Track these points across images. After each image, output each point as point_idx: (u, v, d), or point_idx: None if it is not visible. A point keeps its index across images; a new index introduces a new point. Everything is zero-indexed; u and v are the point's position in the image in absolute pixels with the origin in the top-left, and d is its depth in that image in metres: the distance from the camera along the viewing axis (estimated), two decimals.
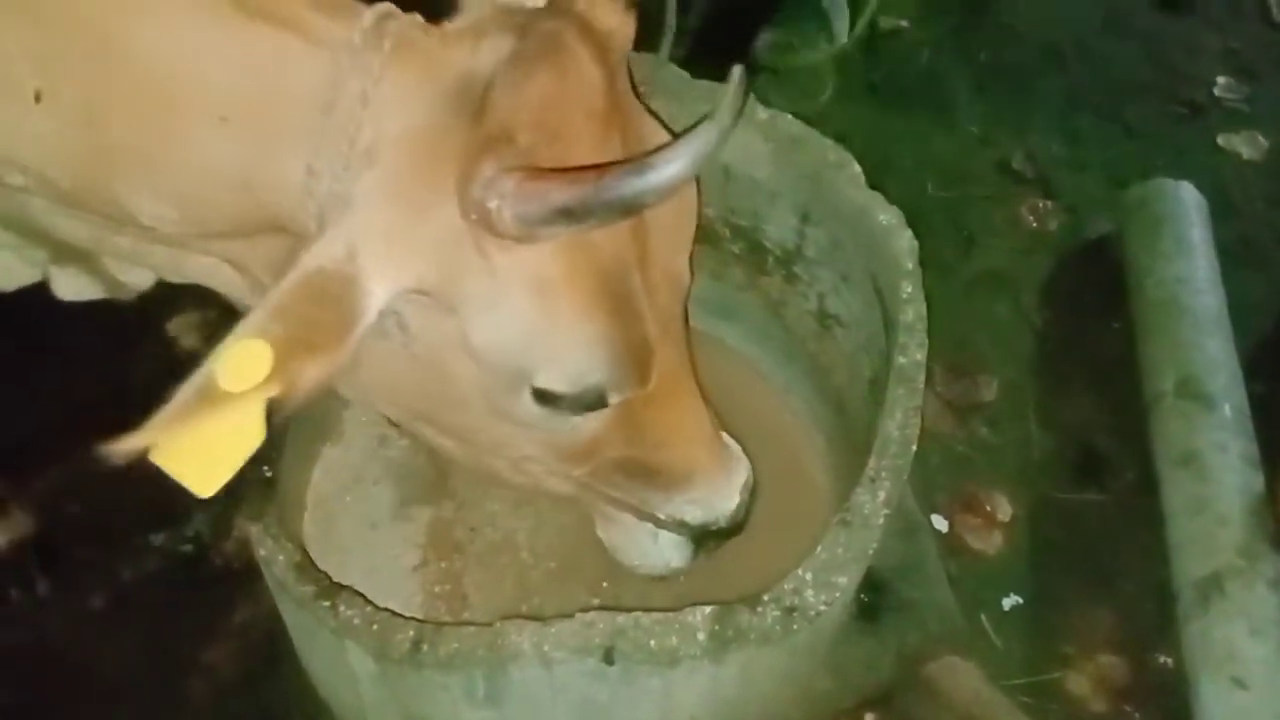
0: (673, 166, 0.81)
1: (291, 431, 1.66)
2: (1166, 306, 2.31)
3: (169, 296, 2.39)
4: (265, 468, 1.55)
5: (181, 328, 2.41)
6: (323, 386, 0.88)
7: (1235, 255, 2.62)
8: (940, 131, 3.11)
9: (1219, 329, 2.26)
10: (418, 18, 0.93)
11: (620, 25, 0.96)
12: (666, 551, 1.24)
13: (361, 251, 0.86)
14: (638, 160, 0.82)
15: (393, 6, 0.93)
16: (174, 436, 0.85)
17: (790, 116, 1.68)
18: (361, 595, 1.28)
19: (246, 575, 2.06)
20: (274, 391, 0.83)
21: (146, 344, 2.39)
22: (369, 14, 0.89)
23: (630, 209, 0.84)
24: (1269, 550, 1.89)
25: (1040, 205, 2.89)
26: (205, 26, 0.89)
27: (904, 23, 3.41)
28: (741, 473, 1.20)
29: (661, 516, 1.17)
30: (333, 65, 0.87)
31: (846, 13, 2.92)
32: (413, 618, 1.25)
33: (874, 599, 1.85)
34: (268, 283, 0.93)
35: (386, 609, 1.27)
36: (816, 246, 1.71)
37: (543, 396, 0.95)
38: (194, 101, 0.90)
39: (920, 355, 1.48)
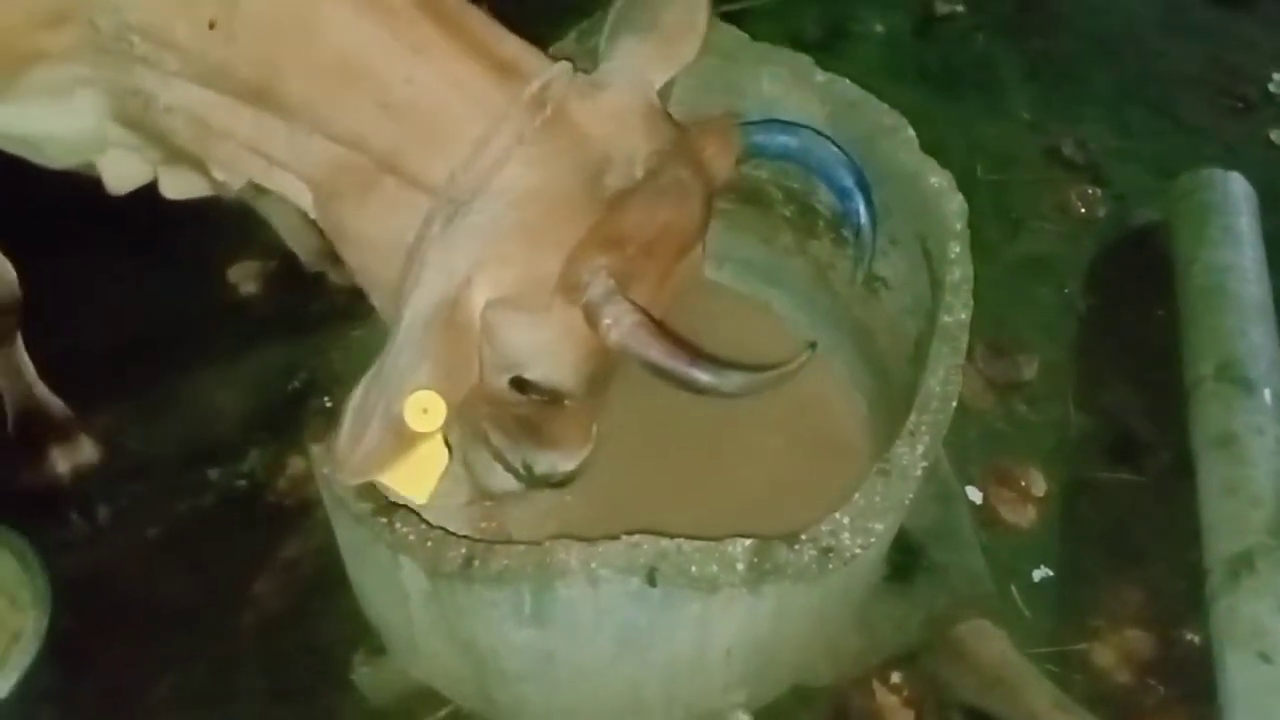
0: (736, 385, 1.12)
1: (353, 367, 1.70)
2: (1211, 293, 2.33)
3: (232, 245, 2.51)
4: (325, 398, 1.61)
5: (241, 275, 2.49)
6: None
7: None
8: (991, 116, 3.13)
9: (1263, 317, 2.27)
10: (579, 80, 1.16)
11: (724, 177, 1.24)
12: (503, 480, 1.47)
13: (479, 274, 1.09)
14: (716, 365, 1.11)
15: (563, 67, 1.16)
16: (382, 471, 1.12)
17: (847, 81, 1.72)
18: (416, 513, 1.34)
19: (297, 512, 2.14)
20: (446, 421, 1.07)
21: (208, 289, 2.47)
22: (536, 81, 1.12)
23: (692, 390, 1.12)
24: None
25: (1089, 192, 2.91)
26: (391, 34, 1.10)
27: (959, 8, 3.43)
28: (589, 447, 1.43)
29: (517, 462, 1.41)
30: (498, 115, 1.10)
31: None
32: (465, 536, 1.31)
33: (906, 560, 1.89)
34: (327, 197, 1.19)
35: (440, 527, 1.32)
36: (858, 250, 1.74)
37: (518, 382, 1.22)
38: (364, 85, 1.11)
39: (965, 315, 1.51)
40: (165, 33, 1.13)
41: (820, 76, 1.71)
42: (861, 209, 1.51)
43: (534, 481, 1.44)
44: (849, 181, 1.50)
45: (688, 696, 1.54)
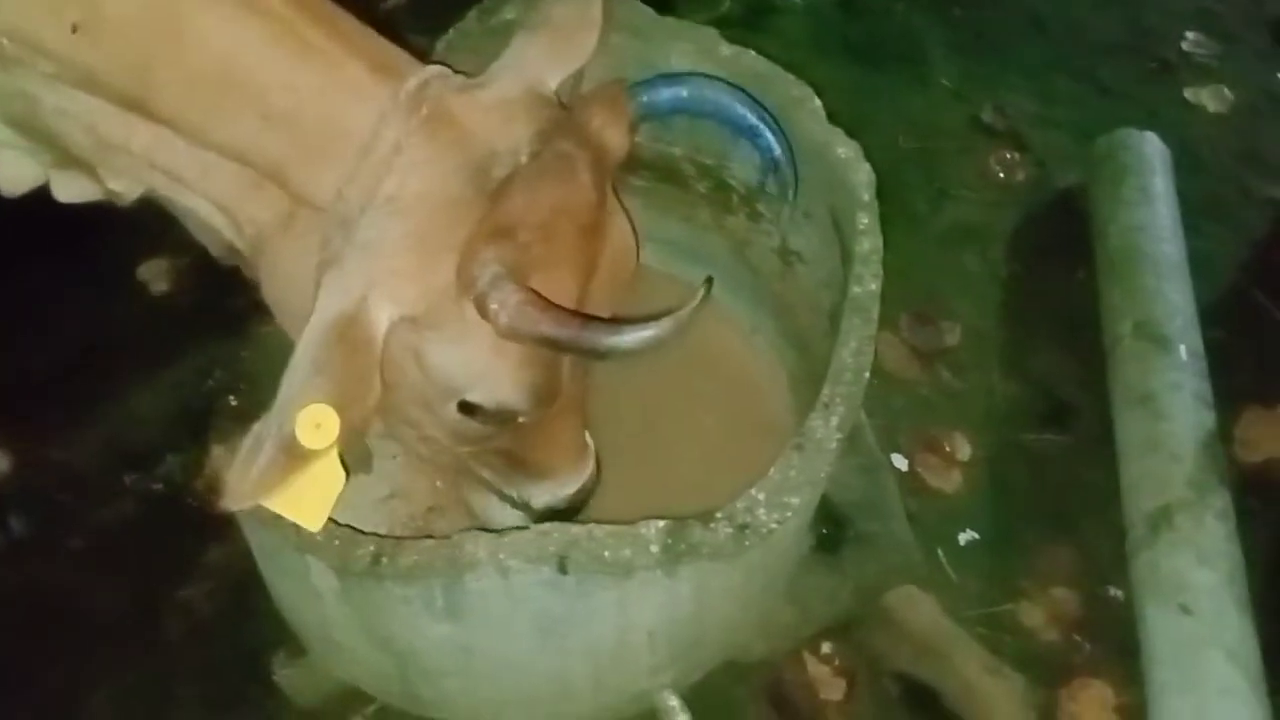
0: (634, 339, 1.05)
1: (261, 366, 1.67)
2: (1127, 253, 2.35)
3: (139, 242, 2.44)
4: (232, 397, 1.58)
5: (151, 273, 2.43)
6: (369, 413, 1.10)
7: (1200, 207, 2.66)
8: (914, 87, 3.14)
9: (1178, 275, 2.30)
10: (457, 79, 1.12)
11: (619, 146, 1.18)
12: (504, 515, 1.39)
13: (374, 290, 1.05)
14: (611, 325, 1.07)
15: (440, 70, 1.11)
16: (272, 493, 1.05)
17: (753, 53, 1.70)
18: None
19: (220, 515, 2.10)
20: (341, 438, 1.03)
21: (117, 289, 2.41)
22: (413, 79, 1.07)
23: (595, 356, 1.10)
24: (1218, 484, 1.94)
25: (1009, 157, 2.92)
26: (268, 40, 1.05)
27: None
28: (588, 469, 1.38)
29: (515, 496, 1.35)
30: (378, 117, 1.05)
31: None
32: (372, 533, 1.29)
33: (834, 532, 1.89)
34: (243, 224, 1.16)
35: (348, 525, 1.30)
36: (778, 183, 1.73)
37: (465, 407, 1.16)
38: (242, 94, 1.06)
39: (875, 285, 1.51)
40: (33, 36, 1.07)
41: (726, 50, 1.69)
42: (771, 140, 1.46)
43: (541, 516, 1.36)
44: (751, 117, 1.44)
45: (614, 680, 1.54)
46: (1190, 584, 1.81)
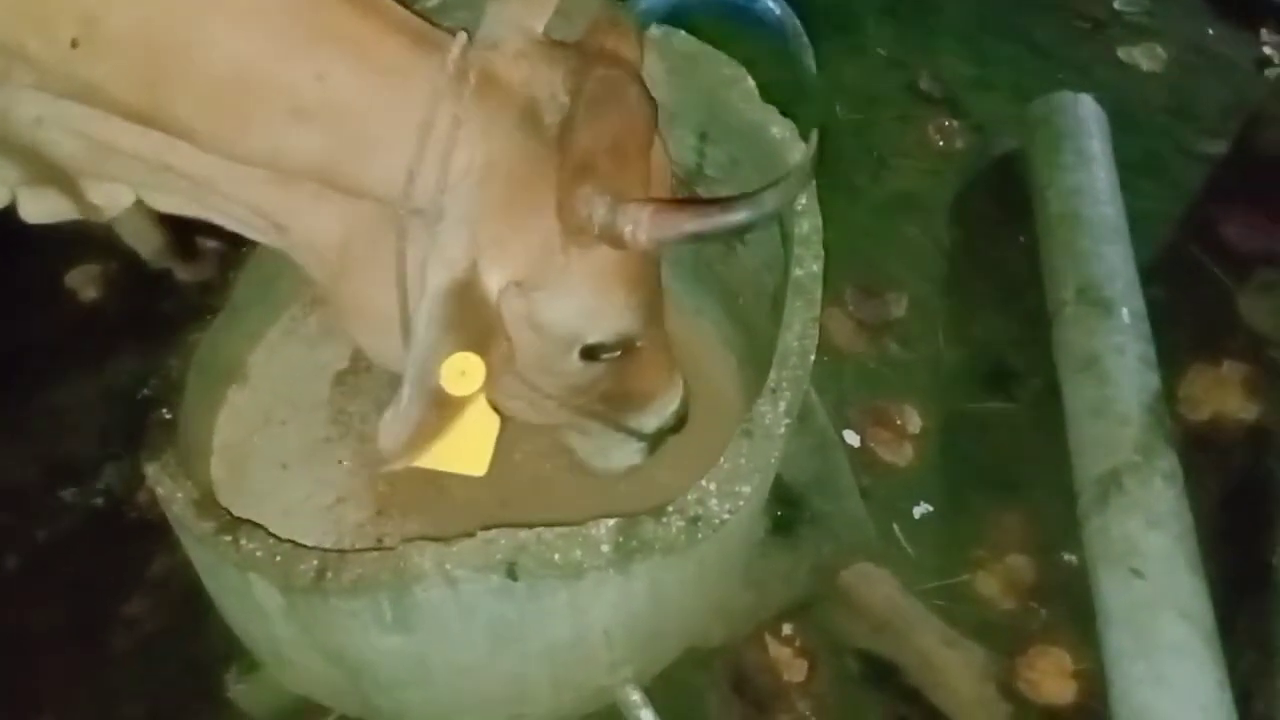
0: (771, 203, 1.06)
1: (193, 376, 1.63)
2: (1066, 217, 2.36)
3: (67, 249, 2.37)
4: (164, 410, 1.53)
5: (80, 280, 2.36)
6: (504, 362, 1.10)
7: (1136, 166, 2.69)
8: (850, 56, 3.13)
9: (1117, 237, 2.32)
10: (490, 43, 1.08)
11: (636, 59, 1.18)
12: (626, 454, 1.46)
13: (481, 258, 1.04)
14: (746, 198, 1.07)
15: (462, 35, 1.08)
16: (429, 448, 1.04)
17: (684, 33, 1.67)
18: (263, 528, 1.28)
19: (163, 525, 2.03)
20: (486, 385, 1.03)
21: (46, 297, 2.34)
22: (455, 47, 1.05)
23: (736, 233, 1.16)
24: (1165, 446, 1.96)
25: (947, 125, 2.93)
26: (289, 31, 1.00)
27: None
28: (681, 384, 1.43)
29: (632, 425, 1.39)
30: (432, 92, 1.02)
31: None
32: (315, 546, 1.25)
33: (788, 513, 1.89)
34: (287, 225, 1.12)
35: (289, 540, 1.26)
36: (716, 165, 1.71)
37: (588, 352, 1.18)
38: (266, 96, 1.00)
39: (816, 267, 1.49)
40: (22, 49, 0.99)
41: (656, 31, 1.66)
42: (769, 3, 1.44)
43: (655, 440, 1.43)
44: None
45: (573, 679, 1.52)
46: (1140, 547, 1.82)
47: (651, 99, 1.15)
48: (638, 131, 1.13)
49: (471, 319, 1.05)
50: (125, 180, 1.15)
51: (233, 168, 1.06)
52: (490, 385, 1.04)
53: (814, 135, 1.14)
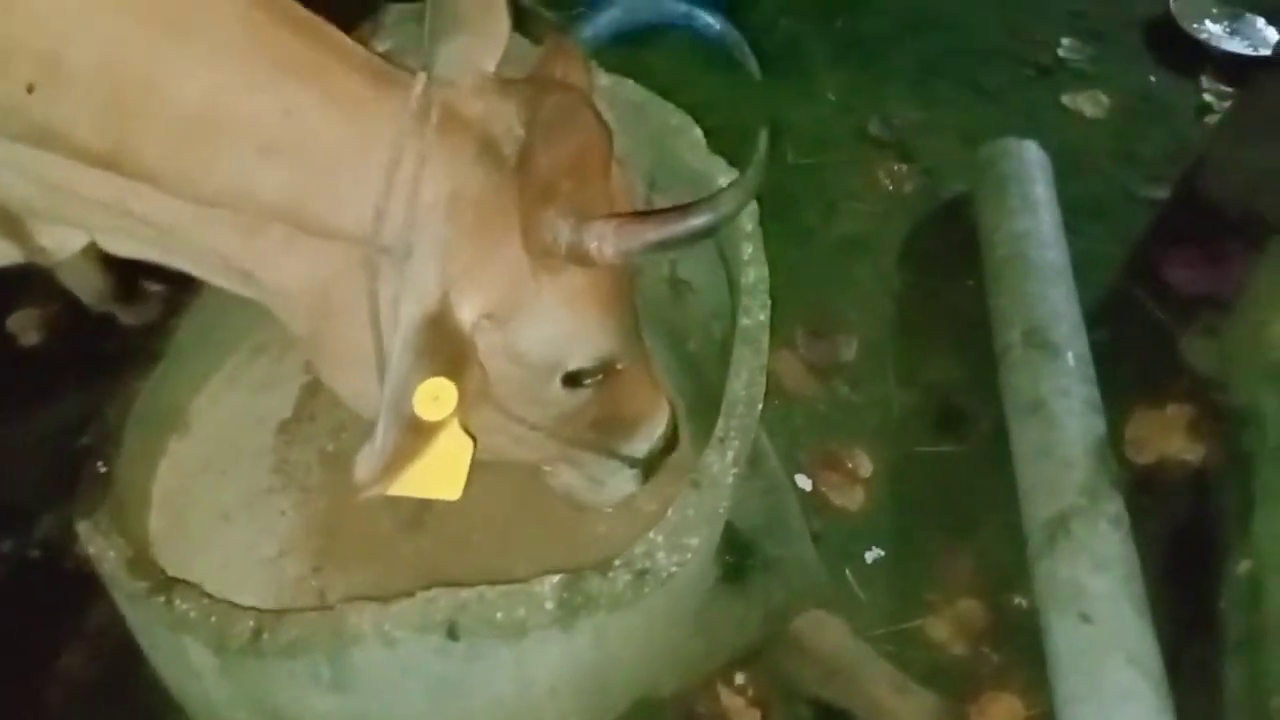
0: (731, 205, 1.07)
1: (133, 424, 1.59)
2: (1013, 261, 2.39)
3: (9, 292, 2.32)
4: (100, 463, 1.50)
5: (20, 324, 2.31)
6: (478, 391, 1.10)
7: (1080, 209, 2.73)
8: (800, 100, 3.16)
9: (1062, 280, 2.35)
10: (446, 81, 1.08)
11: (586, 81, 1.20)
12: (620, 483, 1.45)
13: (452, 291, 1.05)
14: (706, 202, 1.08)
15: (424, 74, 1.08)
16: (403, 474, 1.04)
17: (632, 82, 1.68)
18: (197, 587, 1.25)
19: (100, 578, 2.00)
20: (459, 410, 1.04)
21: None
22: (417, 84, 1.04)
23: (698, 237, 1.10)
24: (1111, 490, 1.97)
25: (896, 169, 2.96)
26: (256, 68, 0.98)
27: None
28: (667, 406, 1.42)
29: (624, 452, 1.39)
30: (397, 129, 1.02)
31: None
32: (251, 607, 1.22)
33: (739, 559, 1.87)
34: (254, 270, 1.10)
35: (224, 600, 1.23)
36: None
37: (570, 378, 1.18)
38: (234, 133, 0.98)
39: (763, 316, 1.50)
40: None
41: (605, 79, 1.66)
42: (707, 19, 1.45)
43: (647, 466, 1.43)
44: (682, 5, 1.44)
45: None
46: (1088, 591, 1.83)
47: (605, 121, 1.15)
48: (595, 152, 1.13)
49: (444, 347, 1.05)
50: (82, 225, 1.12)
51: (198, 212, 1.03)
52: (463, 410, 1.05)
53: (763, 135, 1.14)
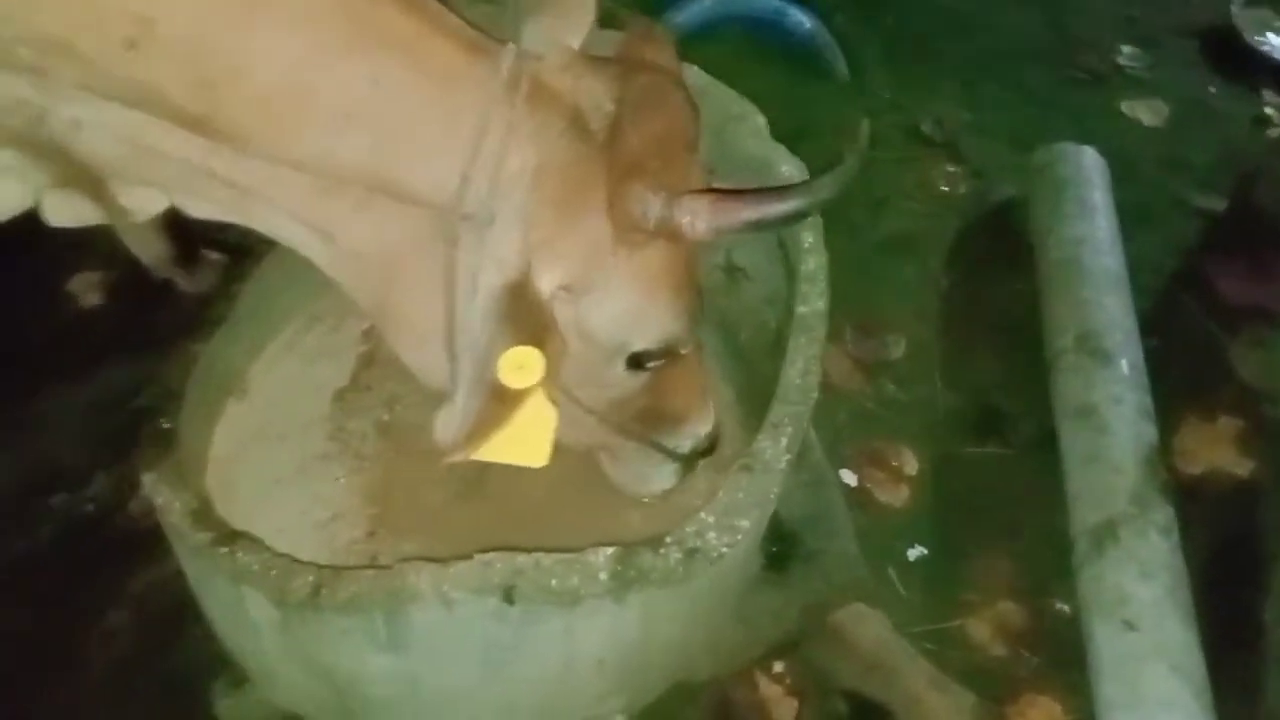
0: (825, 190, 1.09)
1: (192, 386, 1.62)
2: (1068, 266, 2.38)
3: (71, 255, 2.36)
4: (163, 420, 1.52)
5: (82, 286, 2.36)
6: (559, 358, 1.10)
7: (1134, 217, 2.70)
8: (853, 97, 3.14)
9: (1118, 287, 2.33)
10: (536, 55, 1.10)
11: (674, 65, 1.21)
12: (661, 476, 1.48)
13: (534, 259, 1.07)
14: (801, 186, 1.12)
15: (514, 46, 1.10)
16: (487, 441, 1.05)
17: (696, 68, 1.68)
18: (260, 541, 1.27)
19: (151, 537, 2.01)
20: (545, 379, 1.04)
21: (48, 302, 2.33)
22: (507, 55, 1.06)
23: (791, 220, 1.13)
24: (1160, 498, 1.96)
25: (949, 170, 2.95)
26: (348, 36, 1.00)
27: None
28: (713, 408, 1.44)
29: (668, 445, 1.40)
30: (486, 99, 1.04)
31: None
32: (311, 562, 1.24)
33: (782, 550, 1.88)
34: (332, 232, 1.12)
35: (286, 555, 1.25)
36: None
37: (634, 359, 1.20)
38: (323, 98, 1.00)
39: (821, 304, 1.50)
40: (75, 49, 0.97)
41: None
42: (799, 16, 1.47)
43: (688, 460, 1.44)
44: (774, 0, 1.45)
45: (562, 707, 1.50)
46: (1133, 598, 1.82)
47: (693, 104, 1.18)
48: (682, 133, 1.15)
49: (526, 316, 1.06)
50: (163, 186, 1.14)
51: (280, 174, 1.05)
52: (549, 380, 1.05)
53: (864, 125, 1.17)
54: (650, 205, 1.05)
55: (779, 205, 1.08)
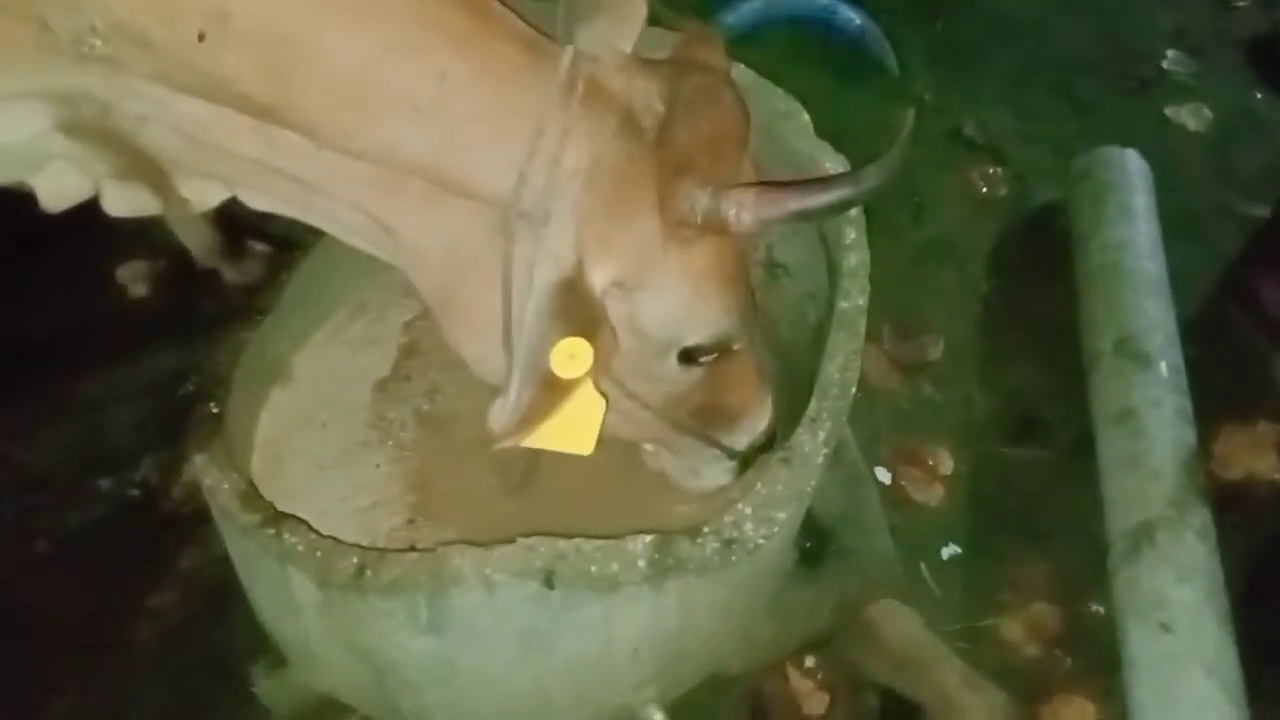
0: (870, 180, 1.08)
1: (240, 373, 1.65)
2: (1108, 269, 2.37)
3: (120, 244, 2.41)
4: (212, 404, 1.55)
5: (131, 275, 2.41)
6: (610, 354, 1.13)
7: (1177, 224, 2.69)
8: (894, 99, 3.14)
9: (1158, 292, 2.32)
10: (591, 56, 1.11)
11: (726, 65, 1.22)
12: (716, 473, 1.47)
13: (587, 256, 1.08)
14: (847, 176, 1.10)
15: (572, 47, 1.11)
16: (537, 427, 1.08)
17: (742, 65, 1.69)
18: (305, 523, 1.29)
19: (194, 520, 2.07)
20: (594, 370, 1.07)
21: (97, 290, 2.38)
22: (565, 57, 1.07)
23: (837, 210, 1.15)
24: (1198, 502, 1.95)
25: (990, 172, 2.94)
26: (419, 31, 1.02)
27: None
28: (770, 401, 1.43)
29: (725, 442, 1.40)
30: (545, 98, 1.05)
31: None
32: (356, 544, 1.27)
33: (817, 546, 1.89)
34: (393, 225, 1.14)
35: (330, 537, 1.28)
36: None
37: (686, 355, 1.21)
38: (391, 92, 1.02)
39: (862, 300, 1.51)
40: (149, 40, 0.99)
41: None
42: (850, 14, 1.47)
43: (745, 458, 1.44)
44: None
45: (597, 695, 1.52)
46: (1170, 601, 1.81)
47: (744, 103, 1.18)
48: (733, 132, 1.16)
49: (578, 310, 1.08)
50: (225, 178, 1.17)
51: (344, 167, 1.08)
52: (598, 370, 1.08)
53: (910, 114, 1.16)
54: (698, 199, 1.07)
55: (824, 195, 1.09)
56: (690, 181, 1.07)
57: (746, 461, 1.46)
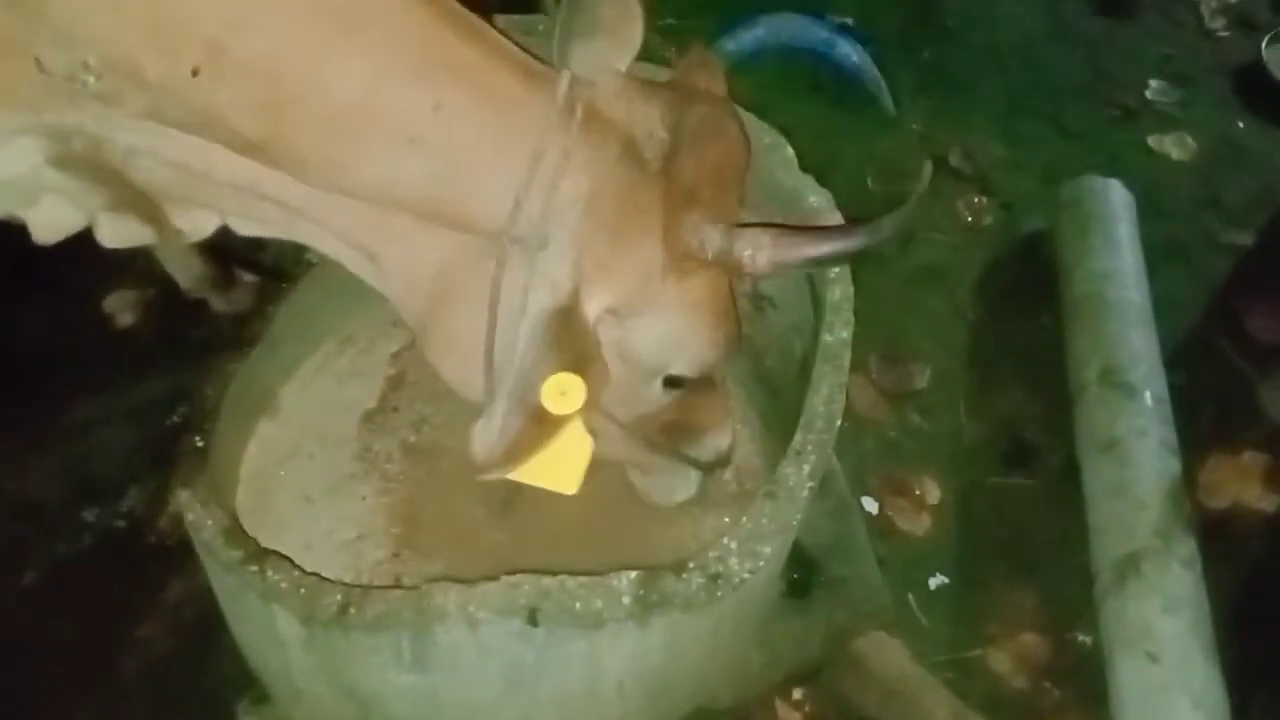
0: (888, 229, 1.09)
1: (227, 405, 1.65)
2: (1093, 299, 2.38)
3: (106, 273, 2.41)
4: (197, 437, 1.55)
5: (118, 304, 2.40)
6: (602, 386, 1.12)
7: (1162, 252, 2.71)
8: (882, 129, 3.17)
9: (1142, 321, 2.33)
10: (589, 80, 1.10)
11: (723, 89, 1.24)
12: (683, 486, 1.51)
13: (584, 284, 1.08)
14: (865, 224, 1.09)
15: (566, 70, 1.10)
16: (522, 462, 1.08)
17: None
18: (289, 559, 1.29)
19: (181, 551, 2.06)
20: (584, 405, 1.06)
21: (84, 320, 2.38)
22: (563, 81, 1.07)
23: (850, 257, 1.19)
24: (1184, 532, 1.96)
25: (976, 201, 2.96)
26: (418, 62, 1.02)
27: (849, 20, 3.47)
28: (730, 419, 1.47)
29: (691, 454, 1.42)
30: (543, 124, 1.05)
31: None
32: (340, 581, 1.26)
33: (804, 576, 1.89)
34: (379, 252, 1.14)
35: (314, 574, 1.28)
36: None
37: (671, 381, 1.22)
38: (387, 123, 1.02)
39: (846, 334, 1.52)
40: (141, 75, 0.99)
41: None
42: (848, 49, 1.49)
43: (708, 469, 1.47)
44: (825, 32, 1.48)
45: None
46: (1156, 631, 1.82)
47: (746, 134, 1.19)
48: (736, 164, 1.16)
49: (572, 341, 1.07)
50: (214, 207, 1.18)
51: (332, 198, 1.08)
52: (589, 407, 1.06)
53: (927, 167, 1.19)
54: (709, 236, 1.07)
55: (842, 242, 1.10)
56: (697, 215, 1.07)
57: (710, 473, 1.48)
